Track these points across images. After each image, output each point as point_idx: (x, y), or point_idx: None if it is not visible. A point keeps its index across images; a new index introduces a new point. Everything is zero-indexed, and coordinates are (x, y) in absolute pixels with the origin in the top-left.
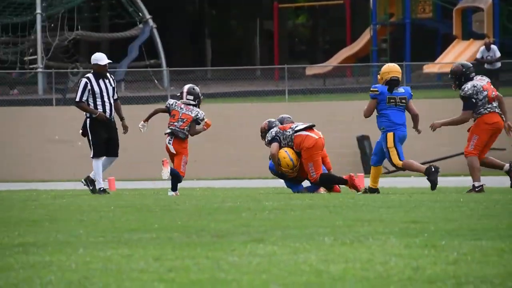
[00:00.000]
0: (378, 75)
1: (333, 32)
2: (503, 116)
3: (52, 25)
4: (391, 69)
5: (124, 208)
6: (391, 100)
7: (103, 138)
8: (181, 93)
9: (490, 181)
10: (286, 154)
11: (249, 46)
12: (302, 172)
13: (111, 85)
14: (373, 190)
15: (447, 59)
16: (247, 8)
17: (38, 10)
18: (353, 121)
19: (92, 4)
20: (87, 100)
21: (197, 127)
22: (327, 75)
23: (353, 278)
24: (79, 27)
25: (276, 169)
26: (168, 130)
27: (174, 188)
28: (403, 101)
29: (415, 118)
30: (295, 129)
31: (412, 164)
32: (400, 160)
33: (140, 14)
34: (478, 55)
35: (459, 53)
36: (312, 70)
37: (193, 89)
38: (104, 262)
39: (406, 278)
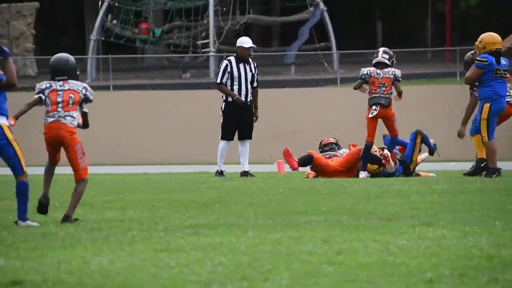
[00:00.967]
0: (478, 43)
1: (508, 13)
2: None
3: (225, 9)
4: (496, 39)
5: (293, 191)
6: (498, 71)
7: (234, 123)
8: (377, 52)
9: None
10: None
11: (420, 27)
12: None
13: (251, 71)
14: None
15: None
16: None
17: None
18: None
19: None
20: (225, 82)
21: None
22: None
23: None
24: (251, 10)
25: None
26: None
27: None
28: (506, 73)
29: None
30: None
31: (493, 151)
32: (489, 138)
33: None
34: None
35: None
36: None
37: (388, 50)
38: (273, 244)
39: None
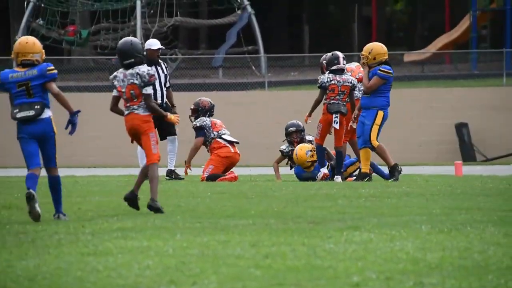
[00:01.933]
0: (367, 53)
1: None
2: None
3: (152, 11)
4: (385, 50)
5: (221, 194)
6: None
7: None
8: (337, 58)
9: None
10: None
11: (347, 31)
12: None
13: (163, 72)
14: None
15: None
16: None
17: None
18: (451, 108)
19: None
20: None
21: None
22: (426, 62)
23: (450, 266)
24: (178, 13)
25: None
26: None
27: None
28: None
29: None
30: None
31: (385, 151)
32: (377, 140)
33: (238, 0)
34: None
35: None
36: (410, 56)
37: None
38: (200, 247)
39: (504, 267)
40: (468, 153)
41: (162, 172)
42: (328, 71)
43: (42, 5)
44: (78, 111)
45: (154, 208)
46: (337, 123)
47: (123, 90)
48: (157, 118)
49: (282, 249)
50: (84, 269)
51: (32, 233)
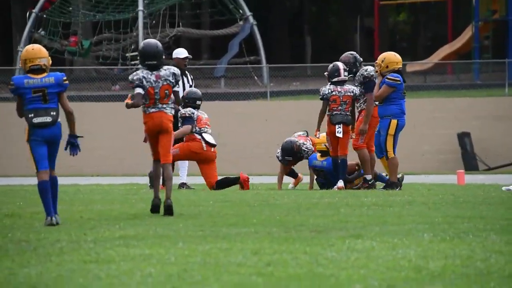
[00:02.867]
0: (380, 62)
1: (435, 29)
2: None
3: (154, 22)
4: (399, 59)
5: (223, 203)
6: (404, 90)
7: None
8: (337, 70)
9: None
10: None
11: (349, 42)
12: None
13: (188, 82)
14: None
15: None
16: (347, 4)
17: (140, 7)
18: (454, 118)
19: (193, 1)
20: None
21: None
22: (428, 72)
23: (452, 274)
24: (180, 24)
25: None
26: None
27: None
28: (405, 91)
29: None
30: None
31: (395, 166)
32: (393, 152)
33: (240, 11)
34: None
35: None
36: (413, 67)
37: (342, 63)
38: (202, 255)
39: (506, 275)
40: (470, 162)
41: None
42: (329, 83)
43: (44, 16)
44: (80, 136)
45: (170, 207)
46: (340, 132)
47: (157, 90)
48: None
49: (284, 257)
50: (86, 277)
51: (34, 241)
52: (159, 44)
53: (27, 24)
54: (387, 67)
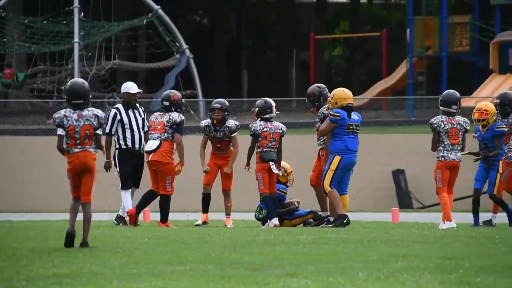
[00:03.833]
0: (330, 98)
1: (369, 64)
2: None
3: (90, 54)
4: (347, 95)
5: (158, 240)
6: (350, 127)
7: (130, 170)
8: (270, 108)
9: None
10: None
11: (285, 77)
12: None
13: (140, 115)
14: None
15: (483, 93)
16: (283, 38)
17: (76, 39)
18: (388, 155)
19: (130, 34)
20: (116, 131)
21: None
22: (363, 108)
23: None
24: (116, 56)
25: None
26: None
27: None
28: (358, 128)
29: None
30: None
31: (337, 199)
32: (330, 186)
33: (177, 44)
34: None
35: (496, 87)
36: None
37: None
38: None
39: None
40: (404, 200)
41: (99, 217)
42: (259, 119)
43: None
44: None
45: (85, 244)
46: (275, 169)
47: (77, 129)
48: (136, 166)
49: None
50: None
51: None
52: (86, 83)
53: None
54: (336, 103)
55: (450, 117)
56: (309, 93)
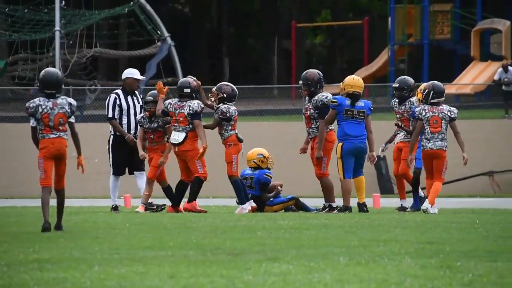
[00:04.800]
0: (341, 84)
1: (351, 52)
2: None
3: (71, 42)
4: (355, 83)
5: (139, 226)
6: (348, 113)
7: (124, 157)
8: (235, 96)
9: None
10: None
11: (266, 64)
12: None
13: (139, 102)
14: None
15: (464, 80)
16: (265, 26)
17: (57, 27)
18: None
19: (111, 22)
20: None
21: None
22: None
23: None
24: (98, 44)
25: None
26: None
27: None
28: (361, 114)
29: (369, 136)
30: None
31: (346, 190)
32: (344, 176)
33: (158, 32)
34: (496, 77)
35: (477, 74)
36: (329, 89)
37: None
38: (118, 279)
39: None
40: (385, 186)
41: (78, 203)
42: (231, 103)
43: None
44: None
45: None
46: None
47: (51, 117)
48: (129, 152)
49: (200, 281)
50: None
51: None
52: (60, 73)
53: None
54: (344, 89)
55: (434, 106)
56: (308, 76)
